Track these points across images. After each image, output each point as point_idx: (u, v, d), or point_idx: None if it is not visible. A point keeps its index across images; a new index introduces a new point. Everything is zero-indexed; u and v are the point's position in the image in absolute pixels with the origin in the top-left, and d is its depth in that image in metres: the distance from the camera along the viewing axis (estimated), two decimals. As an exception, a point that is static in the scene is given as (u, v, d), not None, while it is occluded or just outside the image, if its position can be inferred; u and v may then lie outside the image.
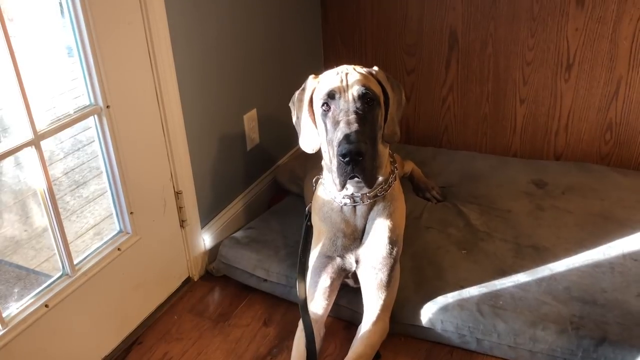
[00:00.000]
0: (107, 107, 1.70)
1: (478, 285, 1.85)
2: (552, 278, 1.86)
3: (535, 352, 1.68)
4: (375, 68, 1.68)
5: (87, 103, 1.70)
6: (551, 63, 2.52)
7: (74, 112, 1.65)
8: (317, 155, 1.75)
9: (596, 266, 1.90)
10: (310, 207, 1.84)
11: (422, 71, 2.79)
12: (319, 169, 1.82)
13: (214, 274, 2.19)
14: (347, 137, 1.51)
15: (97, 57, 1.63)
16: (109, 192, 1.84)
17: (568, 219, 2.18)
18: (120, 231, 1.88)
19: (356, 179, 1.58)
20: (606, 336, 1.63)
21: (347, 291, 1.88)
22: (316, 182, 1.82)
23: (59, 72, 4.03)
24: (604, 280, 1.84)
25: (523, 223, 2.17)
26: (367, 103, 1.58)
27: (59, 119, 1.62)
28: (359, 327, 1.74)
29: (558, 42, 2.47)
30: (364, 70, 1.65)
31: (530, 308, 1.74)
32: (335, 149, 1.54)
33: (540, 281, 1.85)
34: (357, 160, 1.51)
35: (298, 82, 1.76)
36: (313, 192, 1.84)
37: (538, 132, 2.68)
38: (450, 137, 2.86)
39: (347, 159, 1.51)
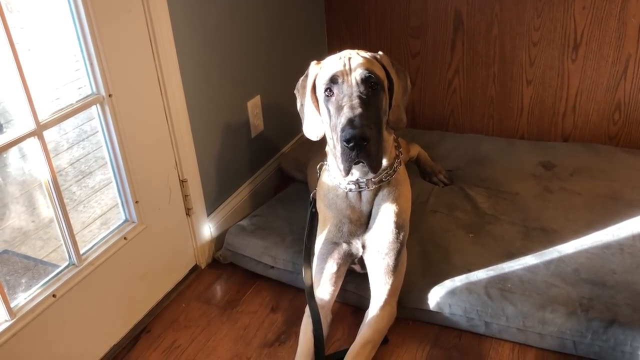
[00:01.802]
0: (110, 96, 1.69)
1: (486, 269, 1.84)
2: (561, 260, 1.85)
3: (544, 334, 1.67)
4: (380, 53, 1.66)
5: (89, 92, 1.69)
6: (558, 43, 2.49)
7: (76, 102, 1.65)
8: (321, 142, 1.73)
9: (605, 248, 1.89)
10: (314, 194, 1.83)
11: (427, 54, 2.76)
12: (322, 156, 1.81)
13: (221, 262, 2.19)
14: (351, 122, 1.49)
15: (98, 46, 1.62)
16: (113, 182, 1.83)
17: (576, 200, 2.16)
18: (126, 220, 1.88)
19: (361, 164, 1.56)
20: (616, 318, 1.61)
21: (355, 276, 1.87)
22: (320, 168, 1.81)
23: (64, 63, 4.03)
24: (614, 262, 1.82)
25: (531, 205, 2.15)
26: (371, 87, 1.56)
27: (62, 109, 1.61)
28: (367, 312, 1.74)
29: (565, 21, 2.44)
30: (367, 54, 1.63)
31: (539, 291, 1.73)
32: (339, 134, 1.52)
33: (548, 263, 1.84)
34: (361, 145, 1.49)
35: (302, 67, 1.75)
36: (317, 178, 1.83)
37: (545, 113, 2.65)
38: (456, 120, 2.84)
39: (351, 144, 1.49)
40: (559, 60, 2.52)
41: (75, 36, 1.62)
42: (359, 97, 1.53)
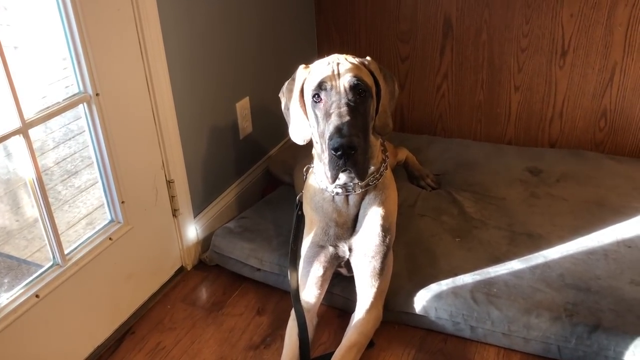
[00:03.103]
0: (97, 95, 1.68)
1: (472, 273, 1.84)
2: (546, 265, 1.86)
3: (529, 339, 1.68)
4: (368, 58, 1.66)
5: (77, 91, 1.68)
6: (546, 50, 2.51)
7: (63, 101, 1.63)
8: (308, 145, 1.73)
9: (590, 253, 1.90)
10: (301, 197, 1.83)
11: (416, 59, 2.77)
12: (309, 159, 1.80)
13: (207, 264, 2.18)
14: (339, 131, 1.49)
15: (86, 44, 1.61)
16: (100, 182, 1.82)
17: (562, 206, 2.17)
18: (112, 221, 1.86)
19: (348, 171, 1.57)
20: (600, 323, 1.63)
21: (341, 279, 1.87)
22: (307, 171, 1.81)
23: (51, 61, 4.00)
24: (598, 267, 1.83)
25: (517, 211, 2.16)
26: (359, 94, 1.56)
27: (48, 108, 1.60)
28: (353, 315, 1.74)
29: (553, 28, 2.46)
30: (356, 60, 1.63)
31: (524, 295, 1.74)
32: (327, 142, 1.52)
33: (534, 269, 1.85)
34: (349, 154, 1.50)
35: (291, 70, 1.74)
36: (303, 181, 1.83)
37: (532, 119, 2.67)
38: (444, 125, 2.85)
39: (339, 153, 1.49)
40: (546, 66, 2.54)
41: (63, 34, 1.61)
42: (347, 105, 1.53)
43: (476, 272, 1.85)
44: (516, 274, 1.83)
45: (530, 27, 2.49)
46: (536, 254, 1.92)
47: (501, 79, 2.64)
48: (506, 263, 1.89)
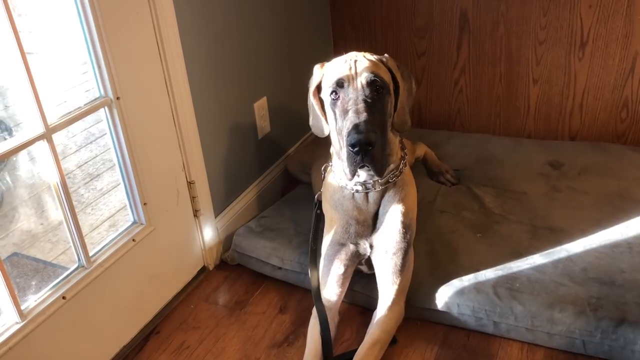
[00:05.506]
0: (117, 98, 1.70)
1: (494, 268, 1.83)
2: (569, 259, 1.84)
3: (553, 334, 1.67)
4: (386, 55, 1.66)
5: (97, 95, 1.70)
6: (564, 42, 2.48)
7: (85, 105, 1.66)
8: (325, 144, 1.74)
9: (614, 246, 1.88)
10: (319, 195, 1.83)
11: (433, 54, 2.75)
12: (325, 158, 1.81)
13: (229, 263, 2.20)
14: (356, 127, 1.49)
15: (106, 48, 1.63)
16: (122, 184, 1.84)
17: (584, 199, 2.15)
18: (135, 222, 1.89)
19: (366, 167, 1.57)
20: (625, 317, 1.61)
21: (362, 277, 1.88)
22: (325, 169, 1.81)
23: (72, 66, 4.05)
24: (622, 261, 1.81)
25: (539, 205, 2.14)
26: (377, 91, 1.56)
27: (70, 112, 1.62)
28: (375, 312, 1.74)
29: (571, 19, 2.43)
30: (373, 57, 1.63)
31: (547, 290, 1.72)
32: (345, 138, 1.53)
33: (556, 263, 1.83)
34: (366, 150, 1.50)
35: (308, 68, 1.75)
36: (321, 180, 1.84)
37: (552, 112, 2.64)
38: (463, 120, 2.84)
39: (356, 149, 1.50)
40: (565, 58, 2.51)
41: (83, 39, 1.63)
42: (365, 102, 1.53)
43: (498, 267, 1.84)
44: (539, 269, 1.82)
45: (548, 19, 2.46)
46: (558, 248, 1.90)
47: (519, 72, 2.62)
48: (528, 258, 1.87)
